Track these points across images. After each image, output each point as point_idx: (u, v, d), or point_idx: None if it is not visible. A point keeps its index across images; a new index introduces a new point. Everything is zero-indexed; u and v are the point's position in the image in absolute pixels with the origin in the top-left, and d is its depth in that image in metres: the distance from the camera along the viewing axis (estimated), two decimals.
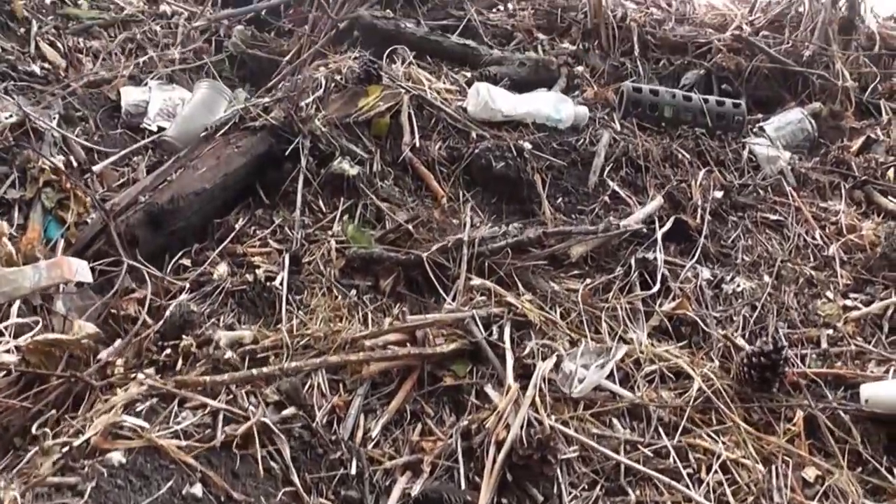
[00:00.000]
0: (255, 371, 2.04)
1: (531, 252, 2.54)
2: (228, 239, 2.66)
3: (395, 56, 3.51)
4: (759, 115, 3.58)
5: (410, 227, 2.56)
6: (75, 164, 2.93)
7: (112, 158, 2.99)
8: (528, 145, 2.96)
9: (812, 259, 2.81)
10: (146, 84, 3.52)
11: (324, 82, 3.17)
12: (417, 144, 2.95)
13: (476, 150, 2.90)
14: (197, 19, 3.95)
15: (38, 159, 2.68)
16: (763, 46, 3.69)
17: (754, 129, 3.42)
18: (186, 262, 2.62)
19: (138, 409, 1.91)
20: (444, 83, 3.43)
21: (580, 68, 3.74)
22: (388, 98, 3.07)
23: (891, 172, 3.20)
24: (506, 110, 3.08)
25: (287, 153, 2.86)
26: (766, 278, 2.68)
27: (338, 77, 3.21)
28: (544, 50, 3.94)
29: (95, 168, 2.90)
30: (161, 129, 3.31)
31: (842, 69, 3.62)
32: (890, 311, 2.52)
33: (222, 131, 2.99)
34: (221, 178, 2.77)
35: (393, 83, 3.11)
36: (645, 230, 2.69)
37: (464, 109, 3.14)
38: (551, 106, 3.14)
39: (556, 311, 2.37)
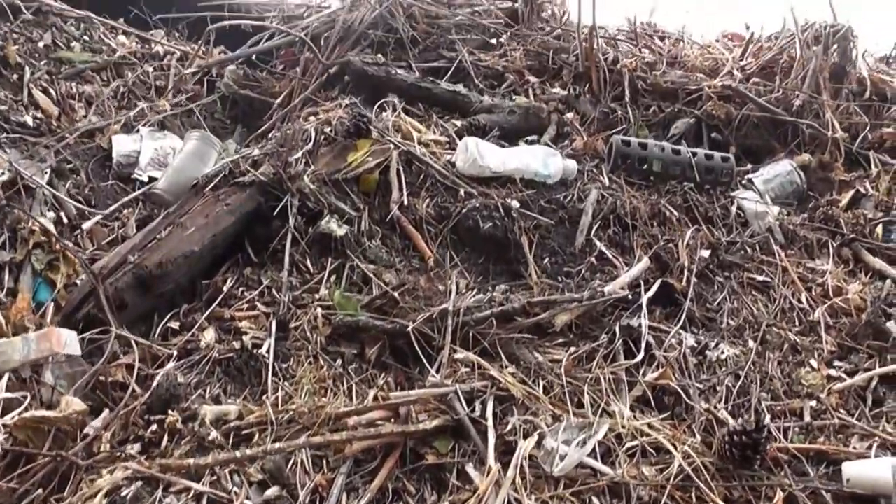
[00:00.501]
0: (238, 453, 2.08)
1: (516, 321, 2.58)
2: (216, 302, 2.71)
3: (385, 104, 3.56)
4: (749, 166, 3.62)
5: (396, 294, 2.60)
6: (66, 220, 2.97)
7: (101, 215, 3.03)
8: (515, 204, 3.00)
9: (797, 323, 2.84)
10: (137, 131, 3.56)
11: (313, 134, 3.22)
12: (405, 202, 2.99)
13: (464, 210, 2.94)
14: (189, 65, 3.98)
15: (29, 220, 2.73)
16: (752, 97, 3.73)
17: (743, 182, 3.46)
18: (175, 324, 2.68)
19: (123, 494, 1.95)
20: (434, 132, 3.47)
21: (570, 115, 3.78)
22: (377, 154, 3.11)
23: (878, 229, 3.23)
24: (494, 166, 3.12)
25: (276, 211, 2.92)
26: (751, 343, 2.72)
27: (327, 129, 3.25)
28: (535, 94, 3.98)
29: (85, 226, 2.95)
30: (152, 179, 3.36)
31: (832, 119, 3.65)
32: (874, 383, 2.55)
33: (212, 185, 3.05)
34: (210, 238, 2.83)
35: (382, 137, 3.15)
36: (630, 297, 2.72)
37: (452, 164, 3.18)
38: (540, 161, 3.18)
39: (539, 385, 2.40)
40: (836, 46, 3.90)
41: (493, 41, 4.55)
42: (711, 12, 6.24)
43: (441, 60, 4.16)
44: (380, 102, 3.47)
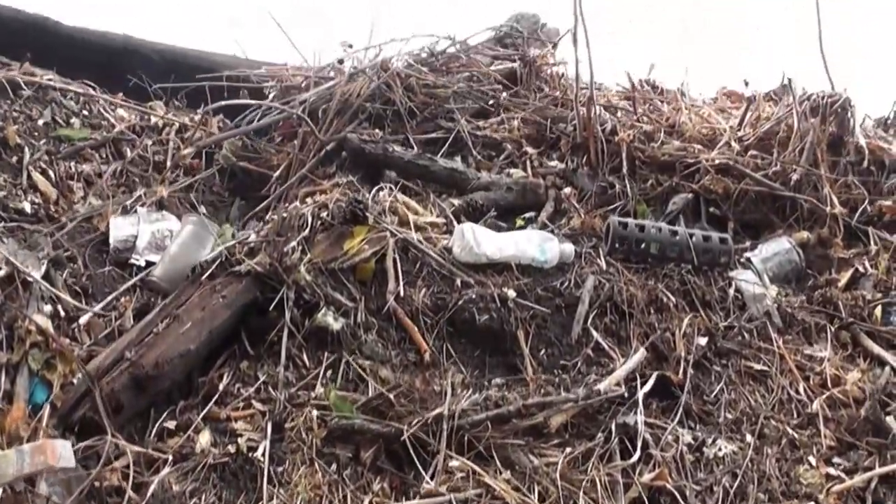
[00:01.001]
0: None
1: (512, 423, 2.60)
2: (213, 400, 2.74)
3: (382, 182, 3.62)
4: (748, 244, 3.64)
5: (392, 396, 2.62)
6: (63, 313, 3.01)
7: (97, 308, 3.07)
8: (511, 293, 3.03)
9: (795, 415, 2.86)
10: (135, 211, 3.60)
11: (310, 219, 3.25)
12: (402, 293, 3.02)
13: (460, 302, 2.97)
14: (187, 143, 4.03)
15: (26, 319, 2.76)
16: (750, 173, 3.76)
17: (741, 260, 3.48)
18: (171, 424, 2.70)
19: None
20: (431, 212, 3.51)
21: (567, 190, 3.81)
22: (373, 242, 3.15)
23: (878, 311, 3.25)
24: (490, 254, 3.15)
25: (272, 303, 2.96)
26: (749, 438, 2.73)
27: (324, 214, 3.28)
28: (533, 166, 4.02)
29: (81, 321, 2.98)
30: (149, 263, 3.40)
31: (829, 194, 3.68)
32: (873, 484, 2.56)
33: (209, 272, 3.10)
34: (206, 334, 2.87)
35: (378, 225, 3.19)
36: (626, 394, 2.74)
37: (449, 250, 3.21)
38: (536, 247, 3.21)
39: (534, 491, 2.42)
40: (833, 117, 3.92)
41: (492, 102, 4.62)
42: (711, 67, 6.30)
43: (439, 131, 4.20)
44: (377, 176, 3.51)
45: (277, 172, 4.09)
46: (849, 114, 3.97)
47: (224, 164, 4.20)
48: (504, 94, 4.74)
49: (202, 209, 3.93)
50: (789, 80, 5.63)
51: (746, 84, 5.99)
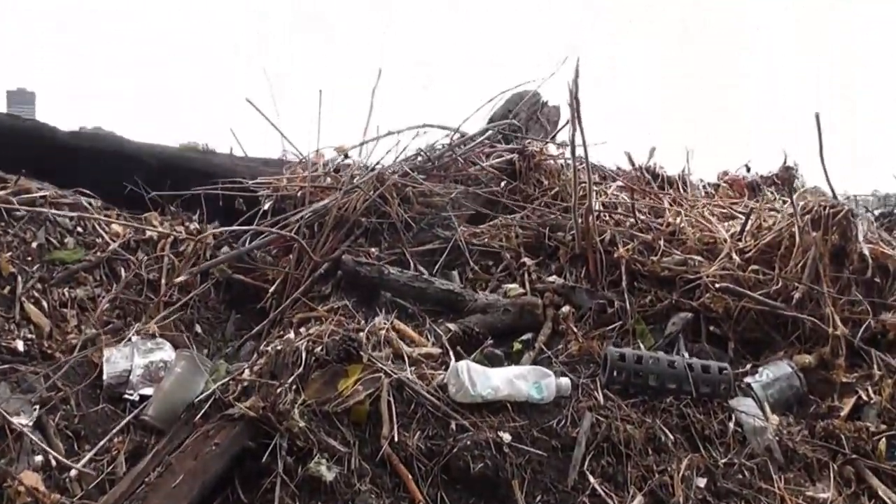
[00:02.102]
0: None
1: None
2: None
3: (377, 305, 3.68)
4: (748, 366, 3.66)
5: None
6: (54, 462, 3.05)
7: (90, 454, 3.11)
8: (507, 437, 3.06)
9: None
10: (130, 340, 3.66)
11: (304, 355, 3.30)
12: (396, 438, 3.05)
13: (454, 450, 3.00)
14: (179, 273, 4.09)
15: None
16: (751, 294, 3.78)
17: (741, 386, 3.50)
18: None
19: None
20: (427, 339, 3.56)
21: (566, 309, 3.84)
22: (367, 383, 3.18)
23: (882, 445, 3.26)
24: (486, 394, 3.18)
25: (266, 449, 3.00)
26: None
27: (318, 349, 3.32)
28: (531, 279, 4.06)
29: (72, 473, 3.02)
30: (143, 397, 3.45)
31: (832, 315, 3.70)
32: None
33: (202, 411, 3.15)
34: (199, 488, 2.90)
35: (373, 364, 3.23)
36: None
37: (444, 388, 3.24)
38: (532, 385, 3.24)
39: None
40: (835, 228, 3.95)
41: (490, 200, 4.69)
42: (712, 150, 6.35)
43: (436, 241, 4.26)
44: (373, 314, 3.57)
45: (273, 287, 4.16)
46: (851, 224, 4.00)
47: (220, 278, 4.27)
48: (503, 187, 4.84)
49: (197, 328, 3.99)
50: (794, 163, 5.73)
51: (748, 169, 6.10)
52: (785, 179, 5.94)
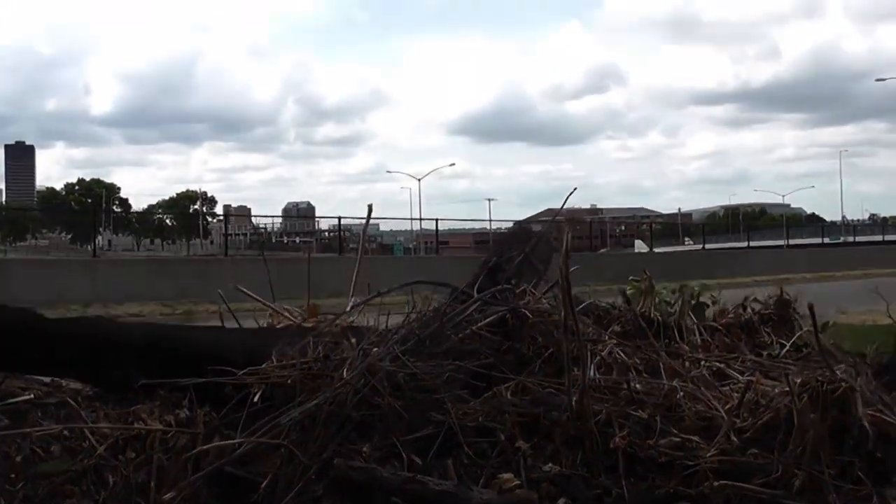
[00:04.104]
0: None
1: None
2: None
3: None
4: None
5: None
6: None
7: None
8: None
9: None
10: None
11: None
12: None
13: None
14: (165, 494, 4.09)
15: None
16: (749, 486, 3.79)
17: None
18: None
19: None
20: None
21: (562, 501, 3.85)
22: None
23: None
24: None
25: None
26: None
27: None
28: (526, 466, 4.07)
29: None
30: None
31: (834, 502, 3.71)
32: None
33: None
34: None
35: None
36: None
37: None
38: None
39: None
40: (835, 407, 3.98)
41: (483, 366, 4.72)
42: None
43: (429, 427, 4.28)
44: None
45: (265, 482, 4.14)
46: (850, 401, 4.03)
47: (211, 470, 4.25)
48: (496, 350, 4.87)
49: None
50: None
51: (744, 308, 6.14)
52: (782, 316, 5.99)
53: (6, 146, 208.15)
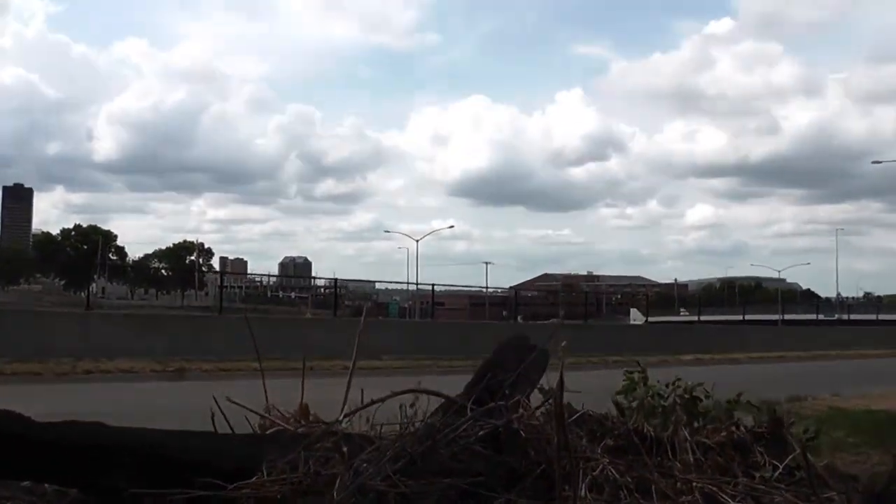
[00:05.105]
0: None
1: None
2: None
3: None
4: None
5: None
6: None
7: None
8: None
9: None
10: None
11: None
12: None
13: None
14: None
15: None
16: None
17: None
18: None
19: None
20: None
21: None
22: None
23: None
24: None
25: None
26: None
27: None
28: None
29: None
30: None
31: None
32: None
33: None
34: None
35: None
36: None
37: None
38: None
39: None
40: None
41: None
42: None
43: None
44: None
45: None
46: None
47: None
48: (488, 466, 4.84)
49: None
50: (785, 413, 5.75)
51: (737, 426, 6.15)
52: (775, 435, 5.98)
53: (4, 188, 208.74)
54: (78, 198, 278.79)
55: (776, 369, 29.99)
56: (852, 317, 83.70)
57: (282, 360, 14.46)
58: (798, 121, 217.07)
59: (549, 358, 6.38)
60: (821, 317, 77.53)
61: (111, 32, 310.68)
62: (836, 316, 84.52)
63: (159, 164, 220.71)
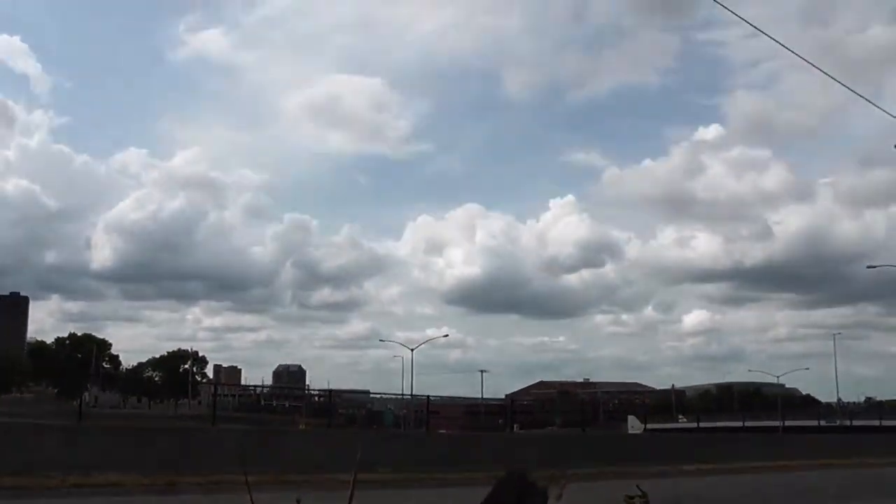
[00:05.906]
0: None
1: None
2: None
3: None
4: None
5: None
6: None
7: None
8: None
9: None
10: None
11: None
12: None
13: None
14: None
15: None
16: None
17: None
18: None
19: None
20: None
21: None
22: None
23: None
24: None
25: None
26: None
27: None
28: None
29: None
30: None
31: None
32: None
33: None
34: None
35: None
36: None
37: None
38: None
39: None
40: None
41: None
42: None
43: None
44: None
45: None
46: None
47: None
48: None
49: None
50: None
51: None
52: None
53: (1, 297, 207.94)
54: (74, 306, 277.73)
55: (782, 480, 29.40)
56: (854, 422, 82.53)
57: (275, 474, 14.15)
58: (790, 225, 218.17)
59: (546, 498, 6.21)
60: (822, 422, 76.58)
61: (113, 143, 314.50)
62: (838, 422, 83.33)
63: (155, 272, 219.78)
